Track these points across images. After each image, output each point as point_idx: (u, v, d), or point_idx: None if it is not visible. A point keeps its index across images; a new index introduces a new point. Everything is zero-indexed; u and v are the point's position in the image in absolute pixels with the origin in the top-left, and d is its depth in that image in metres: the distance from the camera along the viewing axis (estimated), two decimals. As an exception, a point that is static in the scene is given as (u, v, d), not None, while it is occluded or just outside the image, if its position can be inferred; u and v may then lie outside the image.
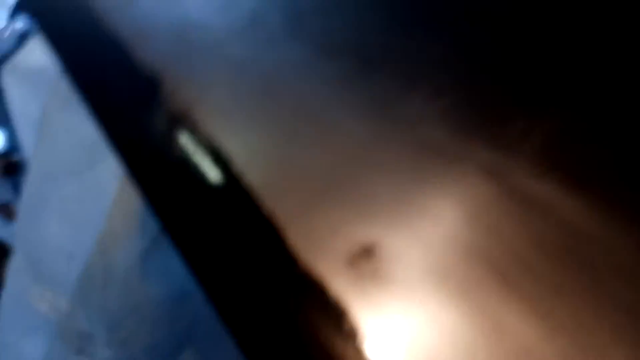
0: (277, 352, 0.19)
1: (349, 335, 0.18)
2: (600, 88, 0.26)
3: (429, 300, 0.19)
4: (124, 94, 0.35)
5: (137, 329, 0.73)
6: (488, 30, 0.28)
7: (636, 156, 0.24)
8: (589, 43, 0.27)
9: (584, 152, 0.24)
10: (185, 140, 0.30)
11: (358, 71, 0.30)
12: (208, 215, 0.26)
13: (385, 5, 0.30)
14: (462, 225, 0.21)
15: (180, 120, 0.31)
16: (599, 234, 0.21)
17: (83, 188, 0.90)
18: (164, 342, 0.70)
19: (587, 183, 0.23)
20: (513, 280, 0.20)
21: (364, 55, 0.31)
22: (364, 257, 0.20)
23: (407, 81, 0.29)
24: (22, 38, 1.71)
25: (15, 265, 0.92)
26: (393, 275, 0.20)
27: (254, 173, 0.26)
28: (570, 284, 0.20)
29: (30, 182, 0.94)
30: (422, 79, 0.29)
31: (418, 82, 0.29)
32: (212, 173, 0.27)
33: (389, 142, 0.26)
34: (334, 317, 0.19)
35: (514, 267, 0.20)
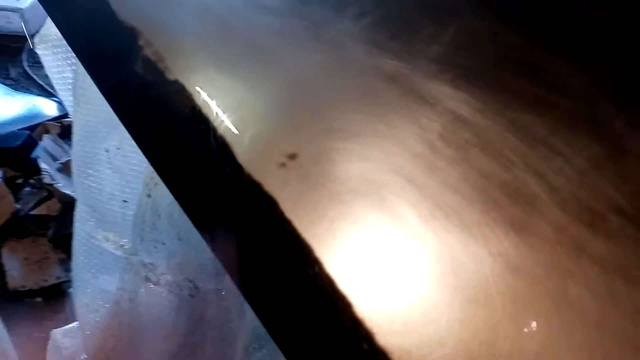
0: (225, 225, 0.26)
1: (281, 215, 0.24)
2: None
3: (339, 189, 0.25)
4: (109, 48, 0.41)
5: (187, 254, 0.82)
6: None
7: (525, 53, 0.27)
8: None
9: (476, 53, 0.27)
10: (160, 84, 0.35)
11: (296, 3, 0.34)
12: (181, 143, 0.32)
13: None
14: (365, 127, 0.25)
15: (154, 66, 0.36)
16: (475, 120, 0.25)
17: (123, 138, 0.95)
18: (210, 262, 0.79)
19: (474, 80, 0.26)
20: (400, 165, 0.24)
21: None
22: (290, 160, 0.25)
23: (336, 6, 0.32)
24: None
25: (79, 214, 1.01)
26: (310, 171, 0.25)
27: (213, 102, 0.32)
28: (443, 161, 0.24)
29: (77, 139, 1.00)
30: (349, 2, 0.32)
31: (346, 6, 0.32)
32: (180, 106, 0.32)
33: (316, 66, 0.30)
34: (270, 204, 0.25)
35: (404, 157, 0.25)
